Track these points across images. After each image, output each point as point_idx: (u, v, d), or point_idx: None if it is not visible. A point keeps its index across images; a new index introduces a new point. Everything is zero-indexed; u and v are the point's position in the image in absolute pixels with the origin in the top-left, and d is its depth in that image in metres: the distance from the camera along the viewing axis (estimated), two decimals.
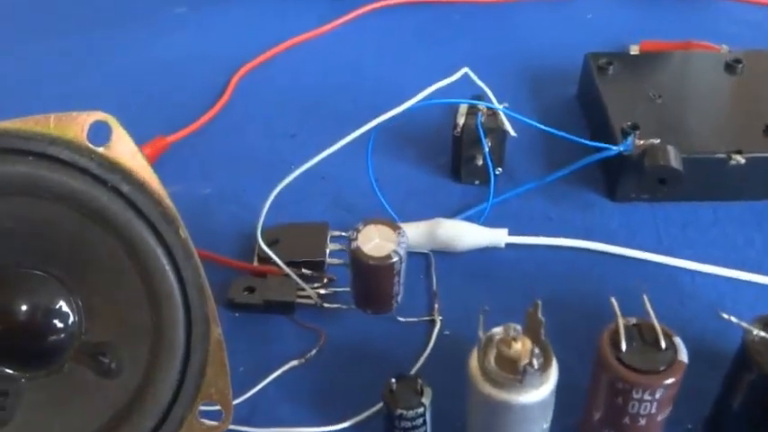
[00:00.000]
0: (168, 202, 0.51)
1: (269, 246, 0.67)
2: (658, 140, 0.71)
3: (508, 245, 0.71)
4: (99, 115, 0.50)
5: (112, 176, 0.50)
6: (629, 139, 0.71)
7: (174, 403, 0.52)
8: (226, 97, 0.88)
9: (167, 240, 0.51)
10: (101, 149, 0.50)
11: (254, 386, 0.62)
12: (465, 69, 0.72)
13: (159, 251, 0.51)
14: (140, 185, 0.51)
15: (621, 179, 0.74)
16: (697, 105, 0.78)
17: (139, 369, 0.52)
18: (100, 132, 0.50)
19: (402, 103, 0.67)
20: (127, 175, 0.50)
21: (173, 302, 0.51)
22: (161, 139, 0.81)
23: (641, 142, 0.71)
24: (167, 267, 0.51)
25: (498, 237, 0.71)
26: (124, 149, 0.51)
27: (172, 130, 0.83)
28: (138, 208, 0.50)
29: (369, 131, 0.67)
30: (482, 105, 0.73)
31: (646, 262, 0.70)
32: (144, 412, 0.52)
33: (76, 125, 0.50)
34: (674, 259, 0.70)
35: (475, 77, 0.73)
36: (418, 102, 0.68)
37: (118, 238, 0.50)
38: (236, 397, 0.59)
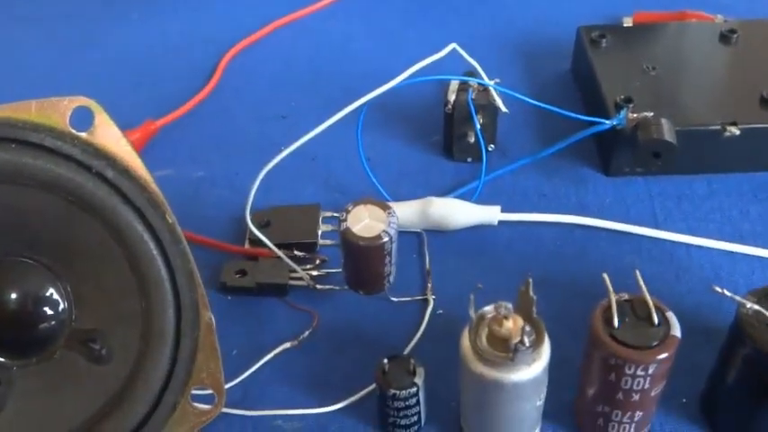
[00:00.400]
0: (154, 186, 0.51)
1: (260, 228, 0.68)
2: (652, 113, 0.71)
3: (501, 222, 0.71)
4: (81, 100, 0.50)
5: (97, 162, 0.50)
6: (623, 112, 0.71)
7: (166, 389, 0.53)
8: (215, 79, 0.88)
9: (154, 226, 0.51)
10: (84, 135, 0.50)
11: (248, 369, 0.62)
12: (453, 45, 0.72)
13: (146, 237, 0.51)
14: (125, 171, 0.51)
15: (615, 153, 0.74)
16: (691, 77, 0.78)
17: (130, 355, 0.52)
18: (83, 118, 0.51)
19: (391, 79, 0.67)
20: (111, 161, 0.50)
21: (161, 288, 0.51)
22: (150, 123, 0.81)
23: (635, 115, 0.71)
24: (155, 253, 0.51)
25: (491, 214, 0.71)
26: (108, 135, 0.51)
27: (161, 114, 0.83)
28: (123, 193, 0.50)
29: (358, 109, 0.67)
30: (473, 82, 0.73)
31: (640, 237, 0.70)
32: (135, 398, 0.52)
33: (58, 111, 0.50)
34: (668, 233, 0.70)
35: (464, 53, 0.73)
36: (407, 79, 0.68)
37: (105, 224, 0.51)
38: (229, 380, 0.60)
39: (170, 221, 0.51)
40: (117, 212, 0.50)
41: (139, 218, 0.51)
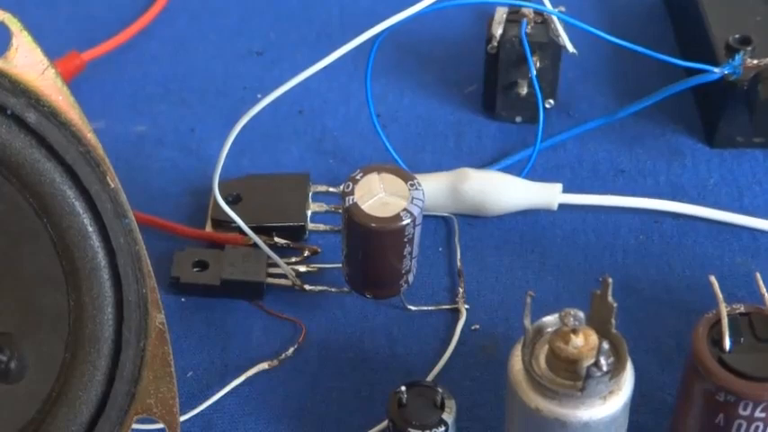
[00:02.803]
0: (92, 137, 0.52)
1: (228, 204, 0.68)
2: None
3: (562, 206, 0.72)
4: None
5: (13, 101, 0.50)
6: (737, 57, 0.72)
7: (99, 417, 0.53)
8: (163, 0, 0.89)
9: (91, 192, 0.51)
10: None
11: (210, 397, 0.63)
12: None
13: (79, 206, 0.51)
14: (53, 114, 0.51)
15: (724, 116, 0.75)
16: None
17: (51, 370, 0.53)
18: None
19: (411, 5, 0.68)
20: (34, 100, 0.51)
21: (97, 278, 0.52)
22: (74, 55, 0.82)
23: (755, 62, 0.72)
24: (90, 229, 0.52)
25: (549, 195, 0.72)
26: (30, 63, 0.51)
27: (89, 44, 0.83)
28: (49, 145, 0.51)
29: (365, 46, 0.68)
30: (528, 8, 0.74)
31: (758, 231, 0.71)
32: (57, 429, 0.53)
33: None
34: None
35: None
36: (434, 3, 0.68)
37: (21, 187, 0.51)
38: (184, 410, 0.61)
39: (113, 185, 0.52)
40: (39, 171, 0.51)
41: (70, 180, 0.51)
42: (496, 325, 0.66)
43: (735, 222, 0.71)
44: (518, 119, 0.78)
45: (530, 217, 0.72)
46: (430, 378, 0.63)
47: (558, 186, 0.72)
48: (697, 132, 0.77)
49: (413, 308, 0.67)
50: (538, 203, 0.72)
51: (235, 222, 0.68)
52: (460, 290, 0.68)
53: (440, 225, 0.72)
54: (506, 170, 0.74)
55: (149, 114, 0.80)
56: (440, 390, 0.57)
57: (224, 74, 0.83)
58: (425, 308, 0.67)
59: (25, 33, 0.51)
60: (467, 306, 0.67)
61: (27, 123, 0.51)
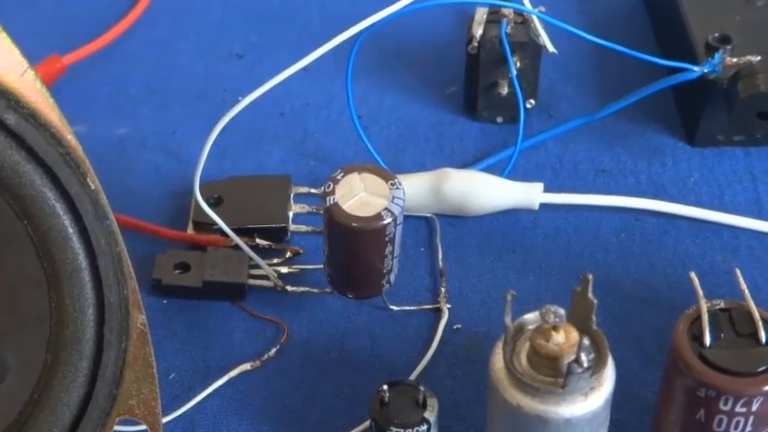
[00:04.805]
0: (72, 139, 0.52)
1: (210, 206, 0.68)
2: (758, 58, 0.72)
3: (544, 205, 0.72)
4: None
5: None
6: (717, 56, 0.72)
7: (81, 419, 0.53)
8: (144, 2, 0.89)
9: (71, 193, 0.51)
10: None
11: (192, 398, 0.63)
12: None
13: (59, 208, 0.51)
14: (32, 115, 0.51)
15: (704, 114, 0.75)
16: None
17: (32, 372, 0.53)
18: None
19: (391, 5, 0.68)
20: (13, 101, 0.51)
21: (78, 279, 0.52)
22: (55, 59, 0.82)
23: (734, 60, 0.72)
24: (71, 231, 0.52)
25: (530, 194, 0.72)
26: (9, 65, 0.51)
27: (70, 47, 0.83)
28: (29, 147, 0.51)
29: (346, 46, 0.68)
30: (508, 8, 0.74)
31: (738, 229, 0.71)
32: (38, 431, 0.53)
33: None
34: None
35: None
36: (414, 3, 0.68)
37: (1, 189, 0.51)
38: (166, 412, 0.61)
39: (93, 188, 0.52)
40: (19, 173, 0.51)
41: (51, 182, 0.51)
42: (478, 324, 0.67)
43: (715, 220, 0.71)
44: (499, 119, 0.78)
45: (511, 217, 0.72)
46: (413, 377, 0.64)
47: (540, 186, 0.72)
48: (677, 131, 0.78)
49: (395, 308, 0.67)
50: (519, 203, 0.72)
51: (216, 224, 0.68)
52: (442, 289, 0.68)
53: (422, 225, 0.72)
54: (488, 170, 0.74)
55: (131, 117, 0.80)
56: (422, 388, 0.57)
57: (205, 76, 0.83)
58: (407, 308, 0.68)
59: (4, 35, 0.51)
60: (449, 306, 0.68)
61: (7, 125, 0.50)
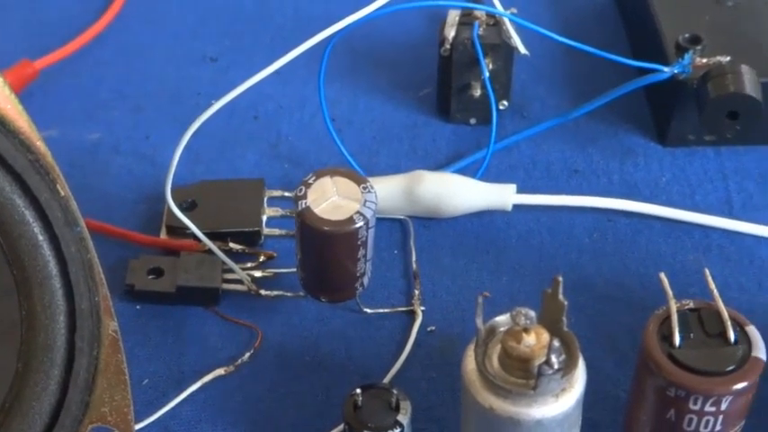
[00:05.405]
0: (41, 145, 0.52)
1: (183, 211, 0.68)
2: (728, 58, 0.72)
3: (517, 207, 0.73)
4: None
5: None
6: (687, 57, 0.72)
7: (53, 427, 0.53)
8: (118, 4, 0.89)
9: (40, 200, 0.51)
10: None
11: (166, 404, 0.63)
12: None
13: (29, 215, 0.51)
14: (1, 123, 0.51)
15: (675, 115, 0.75)
16: None
17: (3, 380, 0.52)
18: None
19: (364, 7, 0.68)
20: None
21: (48, 287, 0.52)
22: (26, 64, 0.81)
23: (704, 61, 0.72)
24: (41, 238, 0.51)
25: (503, 196, 0.72)
26: None
27: (41, 52, 0.83)
28: None
29: (318, 49, 0.68)
30: (480, 11, 0.74)
31: (709, 228, 0.72)
32: None
33: None
34: (747, 224, 0.71)
35: None
36: (386, 5, 0.69)
37: None
38: (140, 418, 0.61)
39: (63, 194, 0.52)
40: None
41: (20, 189, 0.51)
42: (452, 326, 0.67)
43: (687, 220, 0.72)
44: (472, 121, 0.79)
45: (484, 218, 0.73)
46: (387, 380, 0.64)
47: (513, 187, 0.72)
48: (649, 131, 0.78)
49: (369, 311, 0.67)
50: (492, 204, 0.72)
51: (189, 229, 0.68)
52: (416, 292, 0.68)
53: (395, 227, 0.72)
54: (461, 172, 0.74)
55: (104, 121, 0.80)
56: (394, 391, 0.58)
57: (178, 80, 0.83)
58: (381, 310, 0.68)
59: None
60: (422, 308, 0.68)
61: None
